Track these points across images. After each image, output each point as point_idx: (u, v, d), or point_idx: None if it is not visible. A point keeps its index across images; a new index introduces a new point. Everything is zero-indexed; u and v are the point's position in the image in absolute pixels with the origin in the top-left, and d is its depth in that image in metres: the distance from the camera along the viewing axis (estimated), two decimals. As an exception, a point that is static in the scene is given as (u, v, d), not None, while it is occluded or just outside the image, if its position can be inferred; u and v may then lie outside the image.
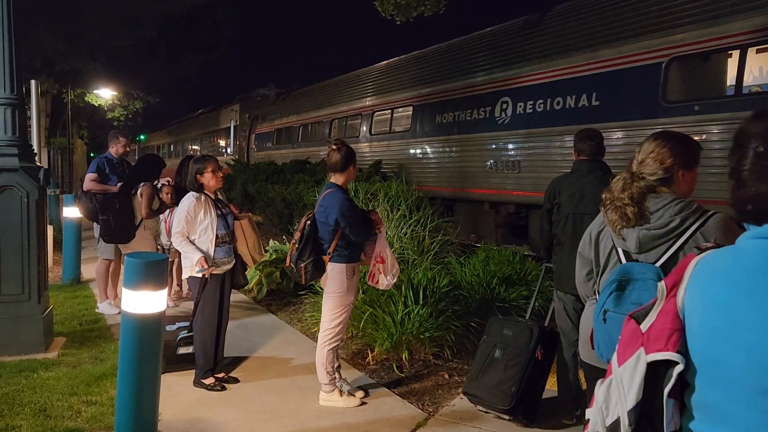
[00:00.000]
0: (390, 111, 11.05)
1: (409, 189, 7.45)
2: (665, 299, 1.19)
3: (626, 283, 2.06)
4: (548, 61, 7.56)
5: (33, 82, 9.79)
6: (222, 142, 21.75)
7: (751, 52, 5.55)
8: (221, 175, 4.43)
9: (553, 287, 3.96)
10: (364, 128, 11.74)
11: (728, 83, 5.93)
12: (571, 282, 2.99)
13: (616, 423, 1.20)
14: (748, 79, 5.94)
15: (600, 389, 1.28)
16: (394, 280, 4.10)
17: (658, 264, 2.07)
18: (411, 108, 10.29)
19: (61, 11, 13.09)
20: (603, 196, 2.23)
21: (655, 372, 1.15)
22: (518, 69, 8.03)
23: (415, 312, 4.72)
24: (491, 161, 8.39)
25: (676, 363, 1.10)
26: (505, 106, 8.16)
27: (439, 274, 5.36)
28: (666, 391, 1.12)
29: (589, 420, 1.34)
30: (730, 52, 5.73)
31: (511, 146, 8.10)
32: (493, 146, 8.41)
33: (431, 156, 9.86)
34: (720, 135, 5.53)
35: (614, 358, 1.26)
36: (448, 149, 9.44)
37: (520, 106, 7.88)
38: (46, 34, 12.88)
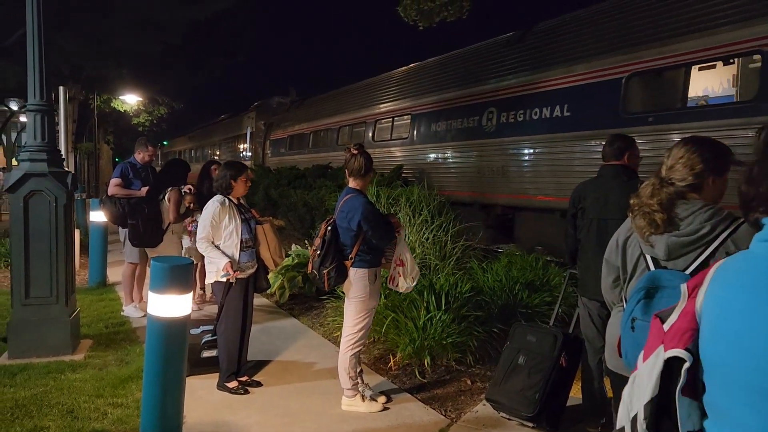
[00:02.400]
0: (391, 119, 11.85)
1: (430, 194, 7.46)
2: (686, 300, 1.21)
3: (655, 291, 2.02)
4: (528, 75, 8.26)
5: (61, 88, 9.95)
6: (240, 148, 22.42)
7: (694, 69, 6.32)
8: (249, 184, 4.52)
9: (578, 293, 3.92)
10: (369, 134, 12.55)
11: (677, 97, 6.46)
12: (596, 288, 2.96)
13: (636, 417, 1.24)
14: (694, 94, 6.69)
15: (627, 385, 1.32)
16: (414, 283, 4.10)
17: (687, 271, 2.03)
18: (409, 117, 11.10)
19: (87, 19, 13.34)
20: (631, 201, 2.19)
21: (673, 370, 1.17)
22: (502, 82, 8.79)
23: (438, 317, 4.71)
24: (479, 167, 9.08)
25: (684, 360, 1.13)
26: (491, 116, 8.85)
27: (461, 280, 5.34)
28: (678, 388, 1.14)
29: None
30: (679, 69, 6.38)
31: (496, 153, 8.74)
32: (481, 153, 9.12)
33: (429, 160, 10.46)
34: (670, 143, 5.63)
35: (641, 355, 1.30)
36: (440, 155, 10.20)
37: (504, 116, 8.61)
38: (74, 42, 13.12)
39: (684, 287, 1.22)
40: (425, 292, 4.92)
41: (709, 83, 7.04)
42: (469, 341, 4.73)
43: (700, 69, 6.43)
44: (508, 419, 3.76)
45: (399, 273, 4.06)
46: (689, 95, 6.38)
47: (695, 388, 1.13)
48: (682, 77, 6.31)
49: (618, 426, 1.33)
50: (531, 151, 8.14)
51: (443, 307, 4.80)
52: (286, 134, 17.75)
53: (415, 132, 10.84)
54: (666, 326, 1.24)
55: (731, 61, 6.14)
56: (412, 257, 4.11)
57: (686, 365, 1.12)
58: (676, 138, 5.54)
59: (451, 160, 9.85)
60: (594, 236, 3.62)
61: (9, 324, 4.82)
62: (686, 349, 1.13)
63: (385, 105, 12.15)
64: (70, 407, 3.82)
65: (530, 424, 3.64)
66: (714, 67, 6.48)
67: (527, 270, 6.07)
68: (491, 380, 3.98)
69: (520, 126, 8.23)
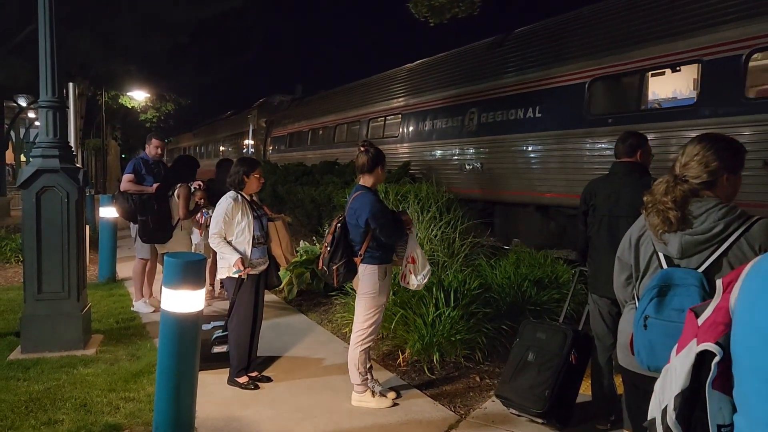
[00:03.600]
0: (383, 118, 12.70)
1: (439, 191, 7.49)
2: (722, 295, 1.23)
3: (667, 289, 2.02)
4: (505, 79, 8.93)
5: (70, 85, 9.99)
6: (243, 145, 23.04)
7: (648, 75, 6.96)
8: (263, 180, 4.52)
9: (588, 290, 3.92)
10: (363, 132, 13.25)
11: (633, 100, 7.13)
12: (607, 285, 2.96)
13: (666, 408, 1.26)
14: (648, 98, 7.23)
15: (659, 377, 1.34)
16: (425, 280, 4.11)
17: (700, 270, 2.04)
18: (400, 116, 11.79)
19: (97, 17, 13.38)
20: (644, 199, 2.19)
21: (707, 364, 1.19)
22: (484, 84, 9.46)
23: (446, 314, 4.72)
24: (461, 164, 9.73)
25: (715, 354, 1.15)
26: (472, 116, 9.54)
27: (470, 276, 5.35)
28: (708, 381, 1.15)
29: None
30: (635, 75, 7.04)
31: (476, 151, 9.47)
32: (462, 151, 9.82)
33: (419, 157, 11.00)
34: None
35: (674, 348, 1.32)
36: (427, 152, 10.79)
37: (484, 116, 9.30)
38: (83, 39, 13.16)
39: (719, 283, 1.24)
40: (434, 289, 4.93)
41: (662, 88, 7.54)
42: (477, 338, 4.74)
43: (653, 75, 7.07)
44: (518, 416, 3.77)
45: (410, 270, 4.08)
46: (645, 99, 7.09)
47: (727, 382, 1.14)
48: (638, 82, 7.00)
49: (649, 417, 1.34)
50: (509, 149, 8.75)
51: (452, 304, 4.81)
52: (287, 132, 18.49)
53: (404, 130, 11.54)
54: (700, 320, 1.25)
55: (678, 68, 6.76)
56: (423, 254, 4.12)
57: (716, 359, 1.14)
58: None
59: (438, 157, 10.44)
60: (605, 233, 3.62)
61: (22, 319, 4.87)
62: (717, 343, 1.15)
63: (378, 105, 12.92)
64: (83, 401, 3.86)
65: (540, 421, 3.65)
66: (663, 73, 7.06)
67: (536, 267, 6.07)
68: (501, 377, 3.98)
69: (499, 126, 8.90)
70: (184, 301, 3.09)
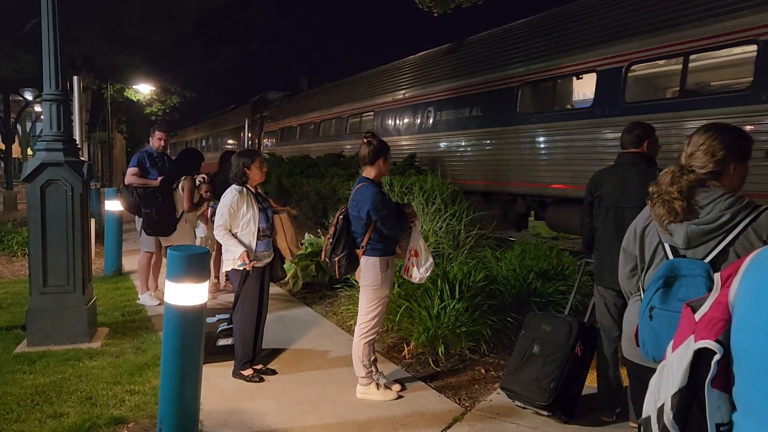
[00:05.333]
0: (359, 116, 14.17)
1: (444, 183, 7.47)
2: (720, 290, 1.19)
3: (673, 280, 2.00)
4: (455, 81, 10.40)
5: (75, 78, 9.99)
6: (239, 139, 24.31)
7: (558, 81, 8.33)
8: (265, 170, 4.48)
9: (593, 282, 3.90)
10: (344, 129, 14.71)
11: (549, 102, 8.58)
12: (612, 277, 2.94)
13: (663, 407, 1.22)
14: (563, 100, 8.58)
15: (655, 374, 1.30)
16: (428, 273, 4.09)
17: (706, 260, 2.01)
18: (372, 113, 13.37)
19: (101, 8, 13.36)
20: (650, 189, 2.16)
21: (703, 361, 1.16)
22: (439, 86, 10.97)
23: (451, 306, 4.71)
24: (421, 158, 10.81)
25: (715, 352, 1.11)
26: (429, 114, 11.06)
27: (475, 269, 5.33)
28: (708, 379, 1.12)
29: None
30: (549, 81, 8.43)
31: (432, 145, 10.91)
32: (420, 144, 11.26)
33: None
34: (545, 137, 8.37)
35: (670, 344, 1.28)
36: (395, 145, 11.60)
37: (439, 115, 10.80)
38: (87, 31, 13.15)
39: (717, 277, 1.21)
40: (439, 281, 4.91)
41: (570, 92, 8.63)
42: (482, 330, 4.73)
43: (559, 80, 8.40)
44: (523, 408, 3.76)
45: (413, 263, 4.06)
46: (559, 101, 8.48)
47: (726, 380, 1.11)
48: (551, 86, 8.47)
49: (644, 415, 1.31)
50: (458, 144, 10.30)
51: (457, 296, 4.80)
52: (278, 127, 19.99)
53: (379, 125, 12.84)
54: (697, 316, 1.22)
55: (580, 77, 7.98)
56: (426, 248, 4.10)
57: (716, 357, 1.10)
58: (544, 135, 8.33)
59: (405, 149, 11.45)
60: (611, 225, 3.59)
61: (27, 312, 4.88)
62: (717, 341, 1.11)
63: (355, 103, 14.40)
64: (88, 394, 3.88)
65: (545, 413, 3.64)
66: (571, 80, 8.29)
67: (541, 259, 6.04)
68: (506, 369, 3.97)
69: (452, 123, 10.37)
70: (187, 294, 3.08)
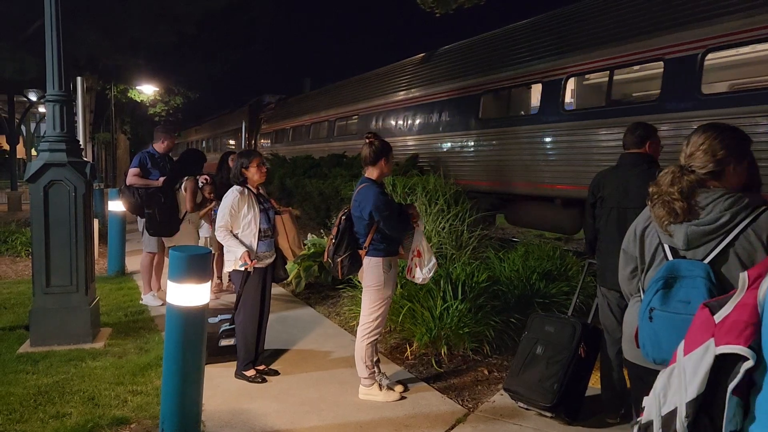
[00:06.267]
0: (346, 120, 15.23)
1: (447, 183, 7.47)
2: (746, 291, 1.13)
3: (674, 281, 1.99)
4: (426, 89, 11.51)
5: (79, 79, 9.99)
6: (237, 140, 25.13)
7: (512, 90, 9.37)
8: (264, 169, 4.47)
9: (596, 283, 3.88)
10: (333, 132, 15.62)
11: (505, 109, 9.63)
12: (615, 278, 2.91)
13: (673, 413, 1.15)
14: (518, 107, 9.59)
15: (661, 377, 1.23)
16: (431, 274, 4.08)
17: (706, 261, 2.00)
18: (357, 117, 14.33)
19: (103, 9, 13.38)
20: (650, 190, 2.15)
21: (722, 366, 1.09)
22: (411, 93, 12.07)
23: (454, 307, 4.70)
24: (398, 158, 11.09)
25: (746, 358, 1.04)
26: (405, 118, 12.14)
27: (478, 269, 5.31)
28: (731, 387, 1.05)
29: (644, 408, 1.30)
30: (505, 90, 9.51)
31: (411, 145, 11.85)
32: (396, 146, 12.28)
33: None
34: (498, 140, 9.45)
35: (680, 346, 1.22)
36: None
37: (413, 119, 11.85)
38: (90, 32, 13.17)
39: (744, 276, 1.15)
40: (442, 282, 4.90)
41: (527, 99, 9.59)
42: (485, 331, 4.71)
43: (515, 89, 9.40)
44: (526, 409, 3.74)
45: (416, 264, 4.05)
46: (513, 107, 9.54)
47: (745, 386, 1.05)
48: (506, 96, 9.52)
49: (644, 419, 1.25)
50: (428, 146, 11.25)
51: (460, 297, 4.79)
52: (272, 129, 21.18)
53: (363, 128, 13.60)
54: (718, 317, 1.16)
55: (529, 86, 9.08)
56: (429, 248, 4.09)
57: (748, 364, 1.03)
58: (503, 138, 9.31)
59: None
60: (614, 226, 3.57)
61: (31, 312, 4.89)
62: (749, 347, 1.04)
63: (343, 107, 15.42)
64: (91, 394, 3.88)
65: (548, 414, 3.62)
66: (523, 89, 9.32)
67: (544, 260, 6.03)
68: (509, 370, 3.96)
69: (424, 127, 11.40)
70: (189, 294, 3.08)
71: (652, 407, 1.23)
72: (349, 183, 9.35)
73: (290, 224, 4.54)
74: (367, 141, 4.01)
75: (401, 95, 12.41)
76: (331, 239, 4.01)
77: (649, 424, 1.23)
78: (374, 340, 4.02)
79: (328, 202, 10.39)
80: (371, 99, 13.81)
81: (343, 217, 3.98)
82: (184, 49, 18.86)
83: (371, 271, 3.93)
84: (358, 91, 14.87)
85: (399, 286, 4.88)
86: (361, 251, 3.93)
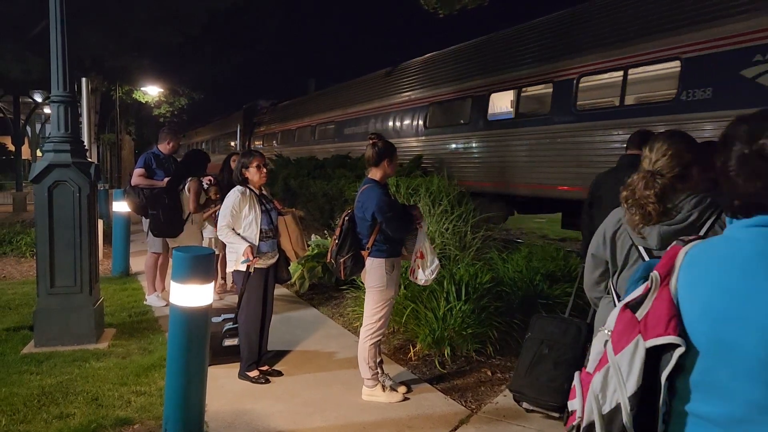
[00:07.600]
0: (325, 125, 16.63)
1: (450, 184, 7.46)
2: (659, 288, 1.23)
3: None
4: (386, 99, 13.12)
5: (84, 79, 10.03)
6: (232, 143, 26.12)
7: (470, 99, 10.32)
8: (265, 171, 4.46)
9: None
10: (315, 136, 17.36)
11: (461, 116, 10.64)
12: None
13: (615, 410, 1.22)
14: (463, 115, 10.59)
15: (596, 378, 1.30)
16: (434, 276, 4.07)
17: None
18: (334, 124, 15.96)
19: (108, 10, 13.41)
20: (622, 195, 2.26)
21: (652, 358, 1.19)
22: (375, 103, 13.77)
23: (457, 308, 4.69)
24: (363, 161, 12.72)
25: (676, 346, 1.14)
26: (373, 124, 13.51)
27: (481, 270, 5.30)
28: (665, 374, 1.16)
29: (573, 411, 1.38)
30: (457, 101, 10.67)
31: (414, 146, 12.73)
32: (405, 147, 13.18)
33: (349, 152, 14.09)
34: (451, 144, 10.79)
35: (609, 347, 1.29)
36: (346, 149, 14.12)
37: (377, 125, 13.31)
38: (95, 33, 13.21)
39: (655, 275, 1.24)
40: (445, 283, 4.90)
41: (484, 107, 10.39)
42: (489, 332, 4.71)
43: (473, 98, 10.27)
44: (531, 410, 3.73)
45: (418, 265, 4.04)
46: (467, 114, 10.39)
47: (675, 371, 1.16)
48: (459, 104, 10.60)
49: (585, 422, 1.30)
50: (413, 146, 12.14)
51: (463, 298, 4.78)
52: (263, 132, 22.53)
53: (341, 132, 15.36)
54: (639, 315, 1.25)
55: (466, 98, 10.36)
56: (432, 250, 4.08)
57: (680, 350, 1.13)
58: (450, 144, 10.77)
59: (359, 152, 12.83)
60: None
61: (35, 313, 4.90)
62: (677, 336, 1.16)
63: (323, 114, 16.87)
64: (94, 395, 3.88)
65: (556, 415, 3.61)
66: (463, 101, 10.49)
67: (548, 260, 6.01)
68: (514, 372, 3.94)
69: (385, 133, 12.33)
70: (192, 295, 3.09)
71: (591, 407, 1.28)
72: (353, 184, 9.35)
73: (293, 225, 4.54)
74: (371, 142, 4.00)
75: (365, 105, 14.07)
76: (334, 240, 4.00)
77: (591, 425, 1.28)
78: (377, 341, 4.01)
79: (332, 203, 10.38)
80: (346, 107, 15.45)
81: (346, 218, 3.98)
82: (189, 50, 18.89)
83: (374, 272, 3.92)
84: (332, 101, 16.69)
85: (402, 286, 4.87)
86: (364, 252, 3.93)
